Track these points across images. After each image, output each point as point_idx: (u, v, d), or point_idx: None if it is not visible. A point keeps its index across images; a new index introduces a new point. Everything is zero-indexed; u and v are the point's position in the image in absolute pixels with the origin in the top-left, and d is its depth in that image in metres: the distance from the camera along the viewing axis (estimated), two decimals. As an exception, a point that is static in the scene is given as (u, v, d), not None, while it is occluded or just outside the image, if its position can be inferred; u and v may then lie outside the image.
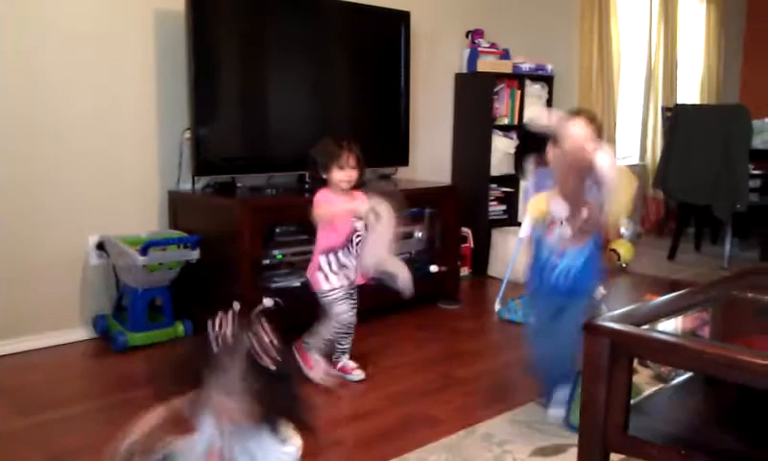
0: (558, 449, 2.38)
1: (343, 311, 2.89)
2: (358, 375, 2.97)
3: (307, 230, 3.53)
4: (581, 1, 5.66)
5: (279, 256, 3.43)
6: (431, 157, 4.80)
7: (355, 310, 2.94)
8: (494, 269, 4.77)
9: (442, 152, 4.94)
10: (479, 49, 4.86)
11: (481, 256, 4.82)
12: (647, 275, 4.99)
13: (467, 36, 4.92)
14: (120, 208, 3.49)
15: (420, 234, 4.05)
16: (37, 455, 2.29)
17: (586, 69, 5.75)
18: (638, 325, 1.71)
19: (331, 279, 2.88)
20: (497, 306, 3.91)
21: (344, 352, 3.00)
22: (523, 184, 3.09)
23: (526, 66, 4.98)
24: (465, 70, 4.91)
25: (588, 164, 2.33)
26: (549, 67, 5.12)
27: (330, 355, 3.00)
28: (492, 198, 4.91)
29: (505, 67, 4.89)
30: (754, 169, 5.34)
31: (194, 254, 3.34)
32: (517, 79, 4.94)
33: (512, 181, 4.93)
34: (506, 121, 4.91)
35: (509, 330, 3.68)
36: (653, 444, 1.66)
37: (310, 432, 1.58)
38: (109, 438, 1.59)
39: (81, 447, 2.34)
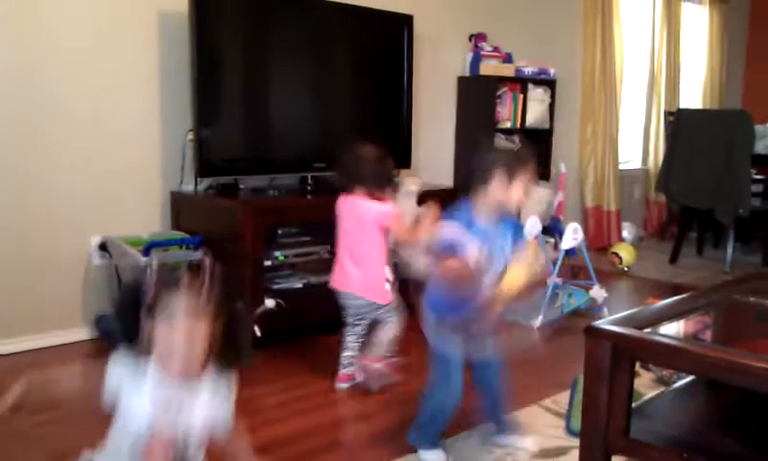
0: (559, 452, 2.38)
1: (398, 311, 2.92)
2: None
3: (309, 231, 3.54)
4: (584, 5, 5.67)
5: (281, 258, 3.43)
6: (433, 160, 4.80)
7: None
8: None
9: (444, 154, 4.94)
10: (482, 52, 4.87)
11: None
12: (649, 278, 4.99)
13: (469, 40, 4.93)
14: (123, 209, 3.50)
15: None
16: (40, 454, 2.30)
17: (588, 73, 5.75)
18: (640, 328, 1.71)
19: (390, 288, 2.90)
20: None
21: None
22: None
23: (529, 70, 4.98)
24: (467, 73, 4.92)
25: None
26: (552, 71, 5.12)
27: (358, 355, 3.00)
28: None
29: (508, 71, 4.90)
30: (756, 174, 5.35)
31: (196, 255, 3.34)
32: (520, 82, 4.94)
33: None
34: (508, 125, 4.92)
35: (513, 331, 3.67)
36: (654, 447, 1.67)
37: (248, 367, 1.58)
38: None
39: (83, 446, 2.34)
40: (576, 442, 1.85)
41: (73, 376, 3.02)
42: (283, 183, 3.83)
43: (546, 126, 5.14)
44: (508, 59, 4.98)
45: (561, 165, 4.97)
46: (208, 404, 1.51)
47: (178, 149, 3.60)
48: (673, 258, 5.48)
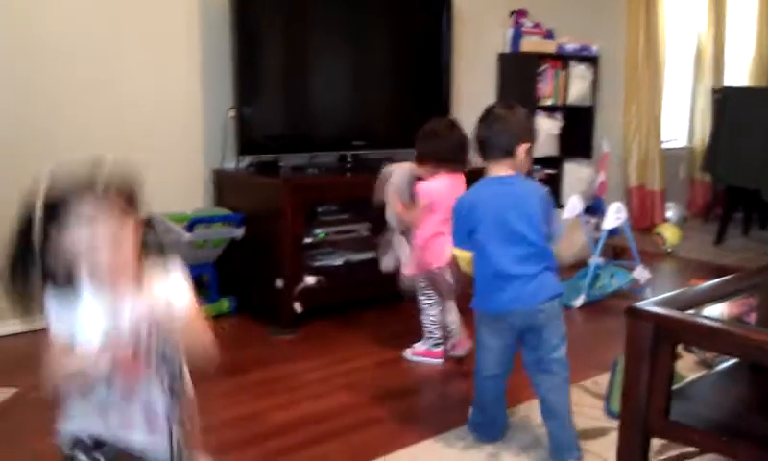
0: (599, 433, 2.37)
1: None
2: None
3: (349, 209, 3.56)
4: (628, -20, 5.55)
5: (322, 235, 3.46)
6: (473, 139, 4.76)
7: None
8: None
9: (484, 133, 4.90)
10: (523, 29, 4.81)
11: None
12: (693, 259, 4.91)
13: (510, 16, 4.87)
14: (166, 186, 3.54)
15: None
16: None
17: (632, 49, 5.64)
18: (683, 309, 1.69)
19: None
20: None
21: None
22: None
23: (571, 47, 4.91)
24: (508, 50, 4.86)
25: None
26: (594, 48, 5.04)
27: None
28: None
29: (549, 47, 4.84)
30: (805, 153, 5.20)
31: (238, 232, 3.39)
32: (562, 59, 4.88)
33: (556, 162, 4.89)
34: (550, 102, 4.86)
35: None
36: (694, 429, 1.65)
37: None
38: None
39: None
40: (615, 423, 1.84)
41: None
42: (323, 161, 3.85)
43: (589, 103, 5.07)
44: (549, 35, 4.91)
45: (603, 143, 4.90)
46: (154, 299, 1.39)
47: (219, 126, 3.64)
48: (718, 239, 5.38)
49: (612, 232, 3.99)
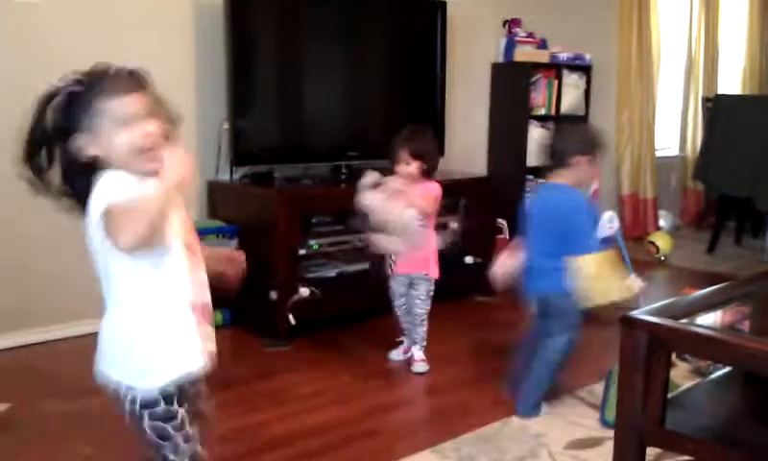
0: (594, 442, 2.37)
1: None
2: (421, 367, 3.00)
3: (343, 220, 3.56)
4: (620, -11, 5.58)
5: (316, 246, 3.45)
6: (466, 147, 4.78)
7: None
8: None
9: (477, 142, 4.92)
10: (516, 38, 4.83)
11: (516, 248, 4.79)
12: (686, 268, 4.92)
13: (503, 26, 4.89)
14: (160, 198, 3.54)
15: (455, 225, 4.05)
16: (84, 436, 2.36)
17: (625, 58, 5.67)
18: (677, 318, 1.70)
19: None
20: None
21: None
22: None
23: (564, 56, 4.93)
24: (501, 60, 4.88)
25: None
26: (587, 57, 5.07)
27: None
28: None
29: (542, 57, 4.85)
30: (797, 161, 5.22)
31: (232, 244, 3.38)
32: (555, 68, 4.89)
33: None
34: (543, 111, 4.88)
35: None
36: (690, 438, 1.65)
37: None
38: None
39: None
40: (610, 433, 1.84)
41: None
42: (317, 172, 3.84)
43: (581, 112, 5.08)
44: (542, 44, 4.93)
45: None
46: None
47: (213, 138, 3.64)
48: (711, 248, 5.40)
49: (605, 241, 3.98)
